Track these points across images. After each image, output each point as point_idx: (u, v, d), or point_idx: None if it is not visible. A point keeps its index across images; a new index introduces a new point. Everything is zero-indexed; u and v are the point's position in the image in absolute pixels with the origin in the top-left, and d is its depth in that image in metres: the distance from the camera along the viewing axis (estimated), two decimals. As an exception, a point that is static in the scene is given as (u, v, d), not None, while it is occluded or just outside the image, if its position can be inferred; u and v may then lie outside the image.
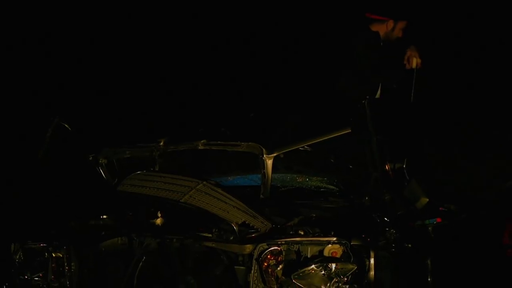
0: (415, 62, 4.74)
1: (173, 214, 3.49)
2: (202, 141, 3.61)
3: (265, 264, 3.03)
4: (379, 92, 4.95)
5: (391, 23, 4.87)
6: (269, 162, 3.42)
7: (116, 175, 3.90)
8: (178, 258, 3.21)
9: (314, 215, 3.38)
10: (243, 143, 3.50)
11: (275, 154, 3.45)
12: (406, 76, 4.71)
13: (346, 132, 3.41)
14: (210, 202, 3.33)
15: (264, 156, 3.43)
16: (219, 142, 3.59)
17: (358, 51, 4.81)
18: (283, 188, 3.93)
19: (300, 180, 4.08)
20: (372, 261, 2.96)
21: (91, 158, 3.92)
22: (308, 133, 3.53)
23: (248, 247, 3.09)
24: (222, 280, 3.15)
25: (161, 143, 3.72)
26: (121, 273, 3.31)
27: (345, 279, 2.93)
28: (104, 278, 3.41)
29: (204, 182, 3.48)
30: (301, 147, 3.51)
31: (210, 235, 3.26)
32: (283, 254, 3.05)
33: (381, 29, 4.91)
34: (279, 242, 3.06)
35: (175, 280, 3.19)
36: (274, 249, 3.05)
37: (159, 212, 3.49)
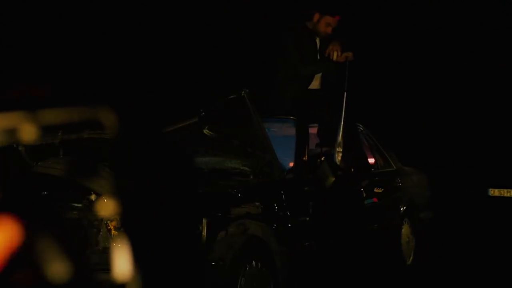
0: (335, 55, 5.34)
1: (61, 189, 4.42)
2: (88, 131, 4.49)
3: (109, 226, 3.95)
4: (318, 83, 5.57)
5: (316, 16, 5.45)
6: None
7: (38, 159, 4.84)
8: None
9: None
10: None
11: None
12: (340, 68, 5.33)
13: (193, 121, 4.28)
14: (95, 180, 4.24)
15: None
16: (100, 131, 4.46)
17: (287, 47, 5.44)
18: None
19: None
20: None
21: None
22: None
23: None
24: (85, 240, 4.08)
25: (59, 133, 4.62)
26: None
27: None
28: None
29: (99, 164, 4.39)
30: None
31: (80, 205, 4.18)
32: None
33: (310, 23, 5.49)
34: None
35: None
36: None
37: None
